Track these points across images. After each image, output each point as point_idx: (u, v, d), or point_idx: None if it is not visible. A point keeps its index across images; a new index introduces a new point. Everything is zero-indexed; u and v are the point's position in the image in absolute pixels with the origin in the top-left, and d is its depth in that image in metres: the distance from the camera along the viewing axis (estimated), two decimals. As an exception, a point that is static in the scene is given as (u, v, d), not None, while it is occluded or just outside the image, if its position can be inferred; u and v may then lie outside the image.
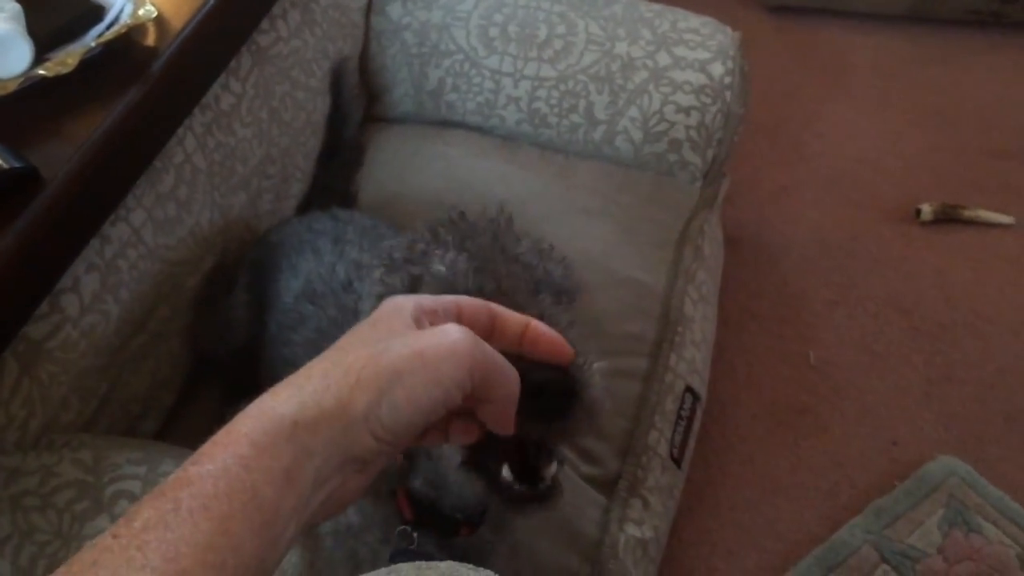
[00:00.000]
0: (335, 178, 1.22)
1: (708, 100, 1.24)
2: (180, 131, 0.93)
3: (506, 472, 0.52)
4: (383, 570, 0.45)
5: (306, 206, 1.23)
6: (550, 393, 0.47)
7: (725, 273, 1.37)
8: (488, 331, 0.46)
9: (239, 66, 1.04)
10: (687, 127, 1.24)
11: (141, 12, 0.89)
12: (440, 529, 0.67)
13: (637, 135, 1.26)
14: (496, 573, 0.44)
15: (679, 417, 1.05)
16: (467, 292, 0.53)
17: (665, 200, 1.27)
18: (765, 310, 1.52)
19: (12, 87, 0.81)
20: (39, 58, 0.84)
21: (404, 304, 0.44)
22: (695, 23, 1.28)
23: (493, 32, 1.27)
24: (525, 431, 0.47)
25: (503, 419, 0.44)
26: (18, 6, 0.85)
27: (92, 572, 0.33)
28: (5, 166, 0.74)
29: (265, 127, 1.09)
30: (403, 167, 1.28)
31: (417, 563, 0.45)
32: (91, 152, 0.78)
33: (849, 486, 1.28)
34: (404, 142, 1.32)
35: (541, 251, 0.62)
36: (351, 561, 0.71)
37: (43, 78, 0.82)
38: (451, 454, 0.55)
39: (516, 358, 0.45)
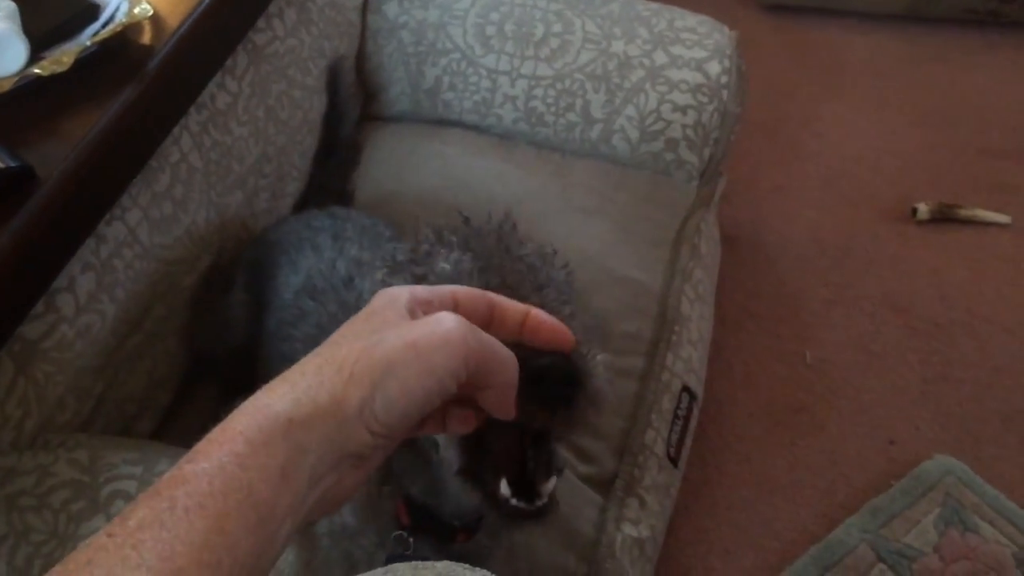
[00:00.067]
0: (332, 177, 1.22)
1: (705, 99, 1.23)
2: (176, 130, 0.93)
3: (504, 487, 0.52)
4: (379, 570, 0.45)
5: (303, 205, 1.23)
6: (552, 379, 0.46)
7: (722, 272, 1.37)
8: (487, 320, 0.46)
9: (235, 65, 1.03)
10: (684, 126, 1.24)
11: (137, 11, 0.89)
12: (437, 535, 0.67)
13: (634, 134, 1.26)
14: (493, 574, 0.44)
15: (676, 416, 1.05)
16: None
17: (662, 199, 1.27)
18: (762, 309, 1.52)
19: (7, 86, 0.81)
20: (34, 57, 0.84)
21: (399, 295, 0.44)
22: (692, 22, 1.28)
23: (490, 31, 1.27)
24: (528, 419, 0.47)
25: (503, 405, 0.44)
26: (13, 5, 0.85)
27: (87, 571, 0.33)
28: (0, 165, 0.73)
29: (261, 126, 1.09)
30: (400, 166, 1.27)
31: (414, 563, 0.45)
32: (87, 151, 0.78)
33: (846, 485, 1.28)
34: (401, 141, 1.32)
35: (544, 255, 0.62)
36: (347, 562, 0.71)
37: (38, 77, 0.82)
38: (449, 459, 0.55)
39: (516, 346, 0.44)
